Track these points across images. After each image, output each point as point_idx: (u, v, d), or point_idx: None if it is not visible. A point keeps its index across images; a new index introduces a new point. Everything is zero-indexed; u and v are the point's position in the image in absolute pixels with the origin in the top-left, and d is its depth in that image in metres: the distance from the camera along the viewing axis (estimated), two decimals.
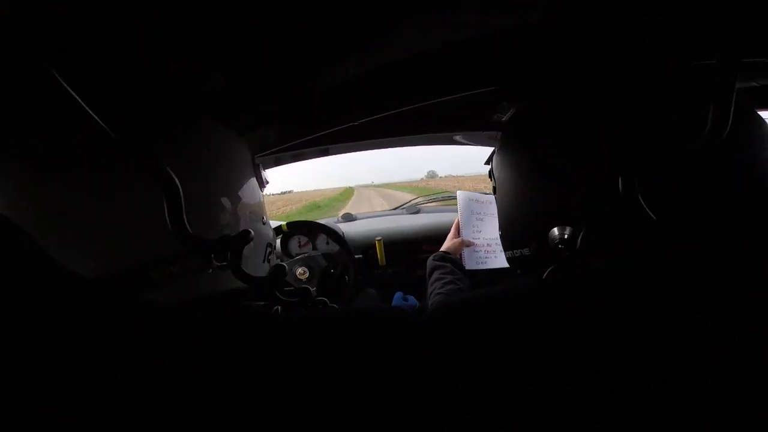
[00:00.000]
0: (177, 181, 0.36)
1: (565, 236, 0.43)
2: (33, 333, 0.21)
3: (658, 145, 0.39)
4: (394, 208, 1.89)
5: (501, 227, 0.58)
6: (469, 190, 1.16)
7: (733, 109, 0.34)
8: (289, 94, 0.62)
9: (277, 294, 0.47)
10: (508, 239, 0.56)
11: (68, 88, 0.32)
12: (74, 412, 0.20)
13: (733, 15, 0.42)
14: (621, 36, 0.48)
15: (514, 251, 0.54)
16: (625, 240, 0.41)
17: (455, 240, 1.06)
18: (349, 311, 0.44)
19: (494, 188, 0.58)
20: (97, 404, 0.21)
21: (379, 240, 1.33)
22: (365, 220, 1.66)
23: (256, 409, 0.24)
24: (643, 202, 0.37)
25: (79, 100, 0.32)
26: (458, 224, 1.10)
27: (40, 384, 0.20)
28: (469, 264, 1.04)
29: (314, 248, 1.42)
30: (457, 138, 1.15)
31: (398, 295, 1.08)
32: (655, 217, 0.37)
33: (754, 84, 0.62)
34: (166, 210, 0.36)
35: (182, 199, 0.37)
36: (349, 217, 1.66)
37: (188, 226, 0.37)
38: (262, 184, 0.61)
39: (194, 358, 0.25)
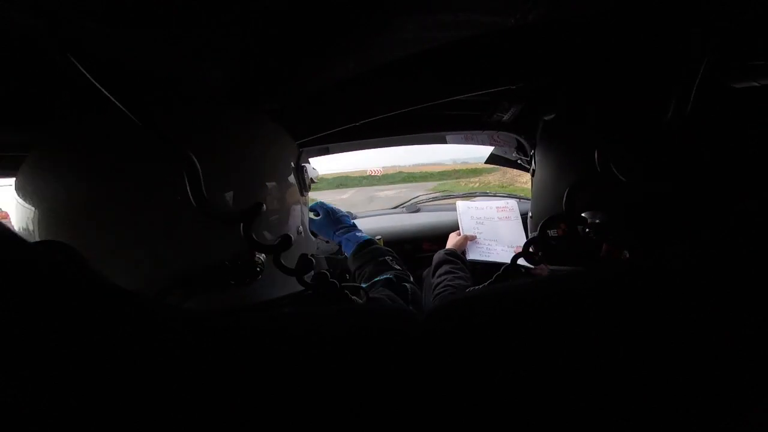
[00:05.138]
0: (195, 160, 0.38)
1: (597, 221, 0.46)
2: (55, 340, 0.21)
3: (629, 122, 0.44)
4: (395, 207, 1.89)
5: (533, 209, 0.62)
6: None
7: (697, 88, 0.38)
8: (290, 92, 0.62)
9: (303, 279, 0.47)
10: (538, 222, 0.58)
11: (94, 81, 0.34)
12: (90, 415, 0.20)
13: (736, 18, 0.42)
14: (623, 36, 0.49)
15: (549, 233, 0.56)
16: (642, 231, 0.44)
17: (459, 238, 1.12)
18: (350, 310, 0.44)
19: (533, 171, 0.63)
20: (110, 407, 0.21)
21: (379, 239, 1.33)
22: (365, 219, 1.65)
23: (259, 408, 0.24)
24: (615, 170, 0.42)
25: (104, 91, 0.34)
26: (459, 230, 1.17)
27: (63, 389, 0.20)
28: (472, 255, 1.13)
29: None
30: (458, 138, 1.16)
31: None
32: (623, 179, 0.42)
33: (755, 84, 0.62)
34: (188, 187, 0.38)
35: (201, 176, 0.38)
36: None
37: (209, 202, 0.39)
38: (304, 187, 0.57)
39: (199, 360, 0.25)
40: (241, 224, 0.41)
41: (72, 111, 0.38)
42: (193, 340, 0.26)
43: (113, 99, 0.34)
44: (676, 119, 0.39)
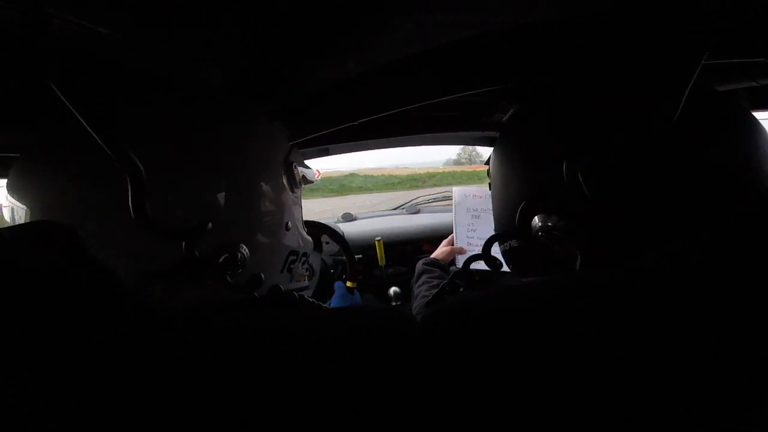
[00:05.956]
0: (141, 167, 0.36)
1: (549, 224, 0.44)
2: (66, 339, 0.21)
3: (602, 131, 0.41)
4: (395, 208, 1.89)
5: (495, 220, 0.59)
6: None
7: (686, 97, 0.36)
8: (290, 92, 0.62)
9: (227, 278, 0.44)
10: (500, 231, 0.57)
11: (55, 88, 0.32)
12: (91, 412, 0.20)
13: (735, 15, 0.42)
14: (613, 37, 0.49)
15: (505, 244, 0.54)
16: (602, 236, 0.42)
17: (446, 248, 1.09)
18: (350, 310, 0.44)
19: (489, 185, 0.60)
20: (110, 407, 0.21)
21: (378, 240, 1.33)
22: (365, 220, 1.66)
23: (259, 408, 0.24)
24: (583, 184, 0.39)
25: (55, 88, 0.32)
26: (454, 232, 1.11)
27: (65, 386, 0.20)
28: (462, 262, 1.05)
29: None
30: (458, 138, 1.16)
31: (338, 284, 0.96)
32: (590, 196, 0.39)
33: (755, 84, 0.62)
34: (129, 197, 0.35)
35: (144, 187, 0.36)
36: (349, 217, 1.66)
37: (150, 215, 0.36)
38: (294, 184, 0.56)
39: (199, 360, 0.25)
40: (184, 242, 0.39)
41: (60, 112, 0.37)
42: (193, 340, 0.26)
43: (60, 95, 0.32)
44: (662, 126, 0.37)
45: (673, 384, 0.25)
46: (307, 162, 0.70)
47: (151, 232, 0.37)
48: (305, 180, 0.60)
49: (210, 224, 0.42)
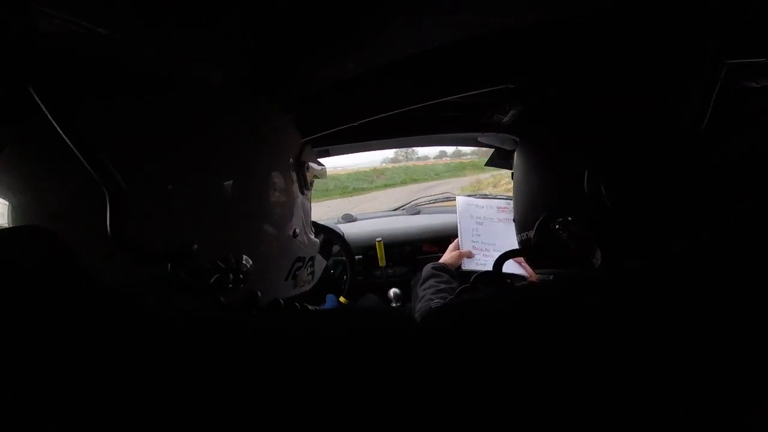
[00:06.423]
0: (122, 183, 0.33)
1: (569, 219, 0.44)
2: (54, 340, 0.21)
3: (624, 143, 0.41)
4: (395, 209, 1.89)
5: (514, 211, 0.61)
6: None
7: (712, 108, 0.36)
8: (289, 92, 0.62)
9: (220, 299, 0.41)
10: (519, 222, 0.59)
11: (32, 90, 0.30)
12: (90, 413, 0.20)
13: (732, 15, 0.42)
14: (619, 37, 0.48)
15: (522, 234, 0.56)
16: (615, 237, 0.42)
17: (454, 253, 1.09)
18: (350, 310, 0.44)
19: (512, 174, 0.61)
20: (110, 407, 0.21)
21: (379, 241, 1.33)
22: (365, 220, 1.66)
23: (259, 407, 0.24)
24: (604, 194, 0.39)
25: (35, 96, 0.30)
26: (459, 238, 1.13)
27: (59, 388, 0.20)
28: (467, 266, 1.08)
29: None
30: (458, 139, 1.16)
31: (330, 297, 1.04)
32: (611, 207, 0.39)
33: (755, 84, 0.62)
34: (108, 213, 0.32)
35: (126, 206, 0.33)
36: (349, 218, 1.66)
37: (128, 234, 0.33)
38: (305, 185, 0.54)
39: (199, 360, 0.25)
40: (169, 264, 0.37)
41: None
42: (193, 340, 0.26)
43: (42, 106, 0.30)
44: (689, 134, 0.36)
45: (673, 384, 0.25)
46: None
47: (130, 255, 0.34)
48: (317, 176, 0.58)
49: (196, 245, 0.38)
